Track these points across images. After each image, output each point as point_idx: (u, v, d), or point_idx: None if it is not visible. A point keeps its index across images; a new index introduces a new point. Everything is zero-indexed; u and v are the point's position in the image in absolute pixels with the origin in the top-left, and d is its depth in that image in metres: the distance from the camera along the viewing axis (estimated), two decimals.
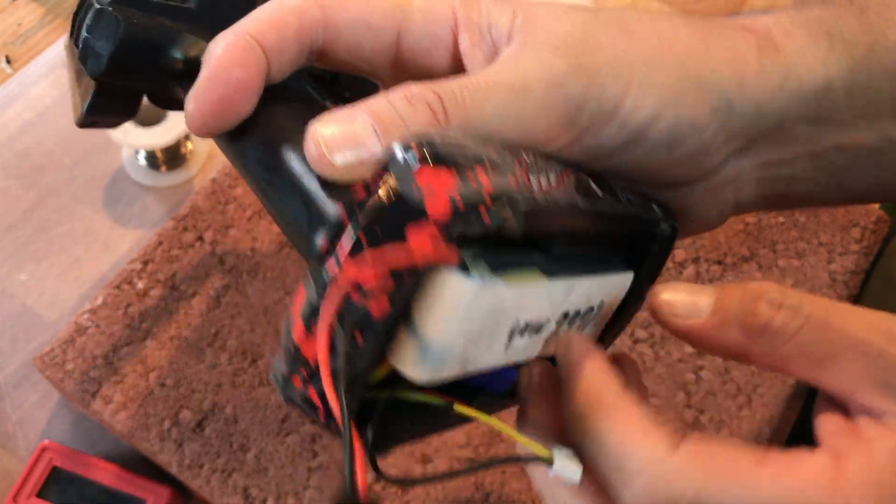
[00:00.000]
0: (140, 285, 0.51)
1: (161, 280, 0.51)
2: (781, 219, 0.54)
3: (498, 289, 0.24)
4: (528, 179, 0.24)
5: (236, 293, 0.51)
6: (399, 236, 0.22)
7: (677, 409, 0.48)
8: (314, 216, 0.25)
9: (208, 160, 0.59)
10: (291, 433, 0.47)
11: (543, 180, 0.25)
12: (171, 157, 0.58)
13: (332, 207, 0.25)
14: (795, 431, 0.48)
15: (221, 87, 0.26)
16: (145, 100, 0.38)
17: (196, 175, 0.59)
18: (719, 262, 0.53)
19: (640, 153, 0.27)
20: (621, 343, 0.50)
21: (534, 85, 0.25)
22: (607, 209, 0.27)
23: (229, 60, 0.26)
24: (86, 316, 0.50)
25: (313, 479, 0.46)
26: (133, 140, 0.55)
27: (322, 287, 0.23)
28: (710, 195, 0.30)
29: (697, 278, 0.52)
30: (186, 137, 0.59)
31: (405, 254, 0.22)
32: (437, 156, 0.22)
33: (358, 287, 0.23)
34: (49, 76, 0.63)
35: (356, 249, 0.23)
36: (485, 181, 0.22)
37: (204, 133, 0.27)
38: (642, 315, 0.46)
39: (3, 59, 0.64)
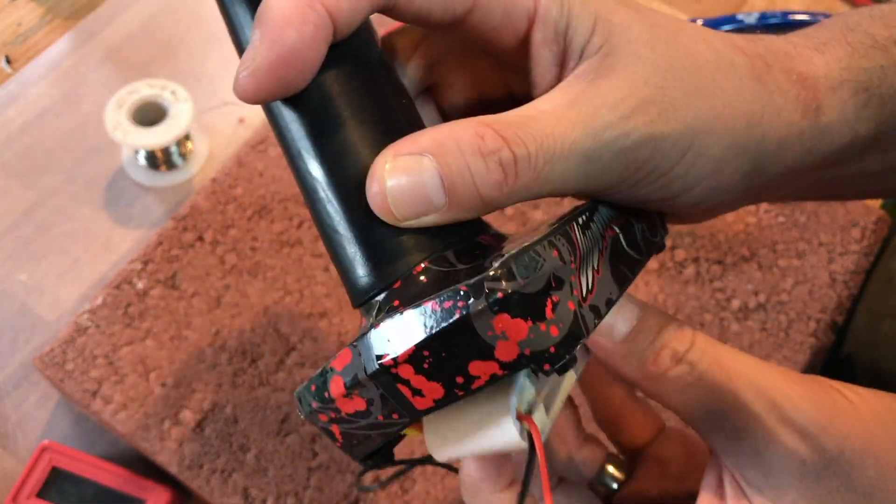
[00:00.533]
0: (140, 285, 0.51)
1: (161, 280, 0.51)
2: (781, 219, 0.54)
3: (539, 416, 0.25)
4: (581, 282, 0.24)
5: (236, 293, 0.51)
6: (461, 362, 0.22)
7: None
8: (369, 265, 0.25)
9: (208, 160, 0.59)
10: (291, 433, 0.47)
11: (590, 272, 0.25)
12: (171, 157, 0.58)
13: (392, 269, 0.24)
14: None
15: (278, 52, 0.23)
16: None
17: (196, 175, 0.59)
18: (719, 262, 0.53)
19: (666, 205, 0.28)
20: None
21: (606, 151, 0.25)
22: (632, 278, 0.27)
23: (290, 19, 0.23)
24: (86, 316, 0.50)
25: (313, 479, 0.46)
26: (133, 140, 0.55)
27: (373, 374, 0.23)
28: (705, 211, 0.31)
29: (697, 278, 0.52)
30: (186, 137, 0.59)
31: (462, 378, 0.23)
32: (518, 305, 0.22)
33: (408, 383, 0.23)
34: (49, 76, 0.63)
35: (416, 359, 0.22)
36: (553, 329, 0.23)
37: (253, 101, 0.25)
38: None
39: (3, 59, 0.64)
